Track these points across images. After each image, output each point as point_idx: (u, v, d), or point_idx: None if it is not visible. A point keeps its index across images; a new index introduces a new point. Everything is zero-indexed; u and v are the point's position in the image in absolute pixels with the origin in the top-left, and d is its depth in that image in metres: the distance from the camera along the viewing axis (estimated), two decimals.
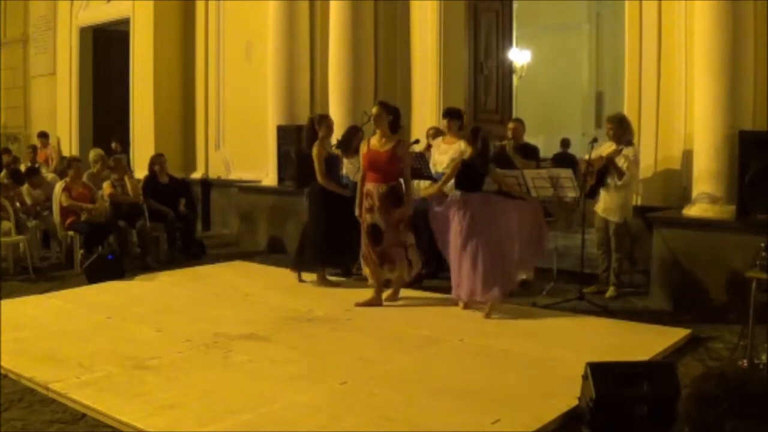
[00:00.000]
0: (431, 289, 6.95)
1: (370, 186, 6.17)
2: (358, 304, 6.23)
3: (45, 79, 14.15)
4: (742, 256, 5.38)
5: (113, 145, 11.68)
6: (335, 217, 6.90)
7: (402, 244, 6.20)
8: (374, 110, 6.26)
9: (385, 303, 6.32)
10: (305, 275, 7.25)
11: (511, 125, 7.47)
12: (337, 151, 7.25)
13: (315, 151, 6.99)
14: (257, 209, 9.60)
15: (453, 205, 6.11)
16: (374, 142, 6.22)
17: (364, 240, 6.26)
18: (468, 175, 6.09)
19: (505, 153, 7.17)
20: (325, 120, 7.28)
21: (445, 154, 7.28)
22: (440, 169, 7.25)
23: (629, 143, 6.62)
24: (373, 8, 8.79)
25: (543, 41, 14.03)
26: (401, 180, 6.21)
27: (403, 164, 6.17)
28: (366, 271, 6.37)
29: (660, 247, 6.46)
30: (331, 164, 7.11)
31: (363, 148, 6.29)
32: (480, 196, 6.09)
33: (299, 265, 7.31)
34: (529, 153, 7.21)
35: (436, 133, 7.72)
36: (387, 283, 6.39)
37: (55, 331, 5.64)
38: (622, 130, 6.68)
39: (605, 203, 6.67)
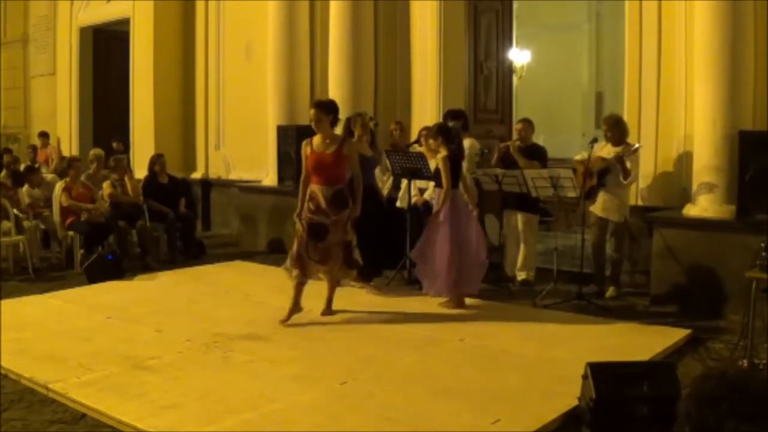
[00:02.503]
0: None
1: (315, 188, 5.81)
2: (283, 321, 5.73)
3: (45, 79, 14.16)
4: (742, 256, 5.38)
5: (114, 144, 11.68)
6: (365, 221, 6.85)
7: (343, 242, 5.89)
8: (312, 114, 5.86)
9: (323, 316, 5.95)
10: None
11: (518, 126, 7.42)
12: (371, 152, 7.15)
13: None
14: (257, 209, 9.60)
15: (444, 205, 6.19)
16: (317, 144, 5.86)
17: (301, 239, 5.80)
18: (453, 172, 6.19)
19: (509, 153, 7.17)
20: (359, 118, 7.12)
21: None
22: None
23: (626, 143, 6.63)
24: (373, 8, 8.79)
25: (543, 41, 14.00)
26: (356, 178, 5.96)
27: (350, 163, 5.90)
28: (294, 273, 5.83)
29: (660, 247, 6.46)
30: (363, 167, 6.99)
31: (306, 150, 5.91)
32: (459, 194, 6.26)
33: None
34: (534, 154, 7.17)
35: (428, 133, 7.72)
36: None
37: (55, 331, 5.63)
38: (619, 131, 6.69)
39: (604, 203, 6.67)
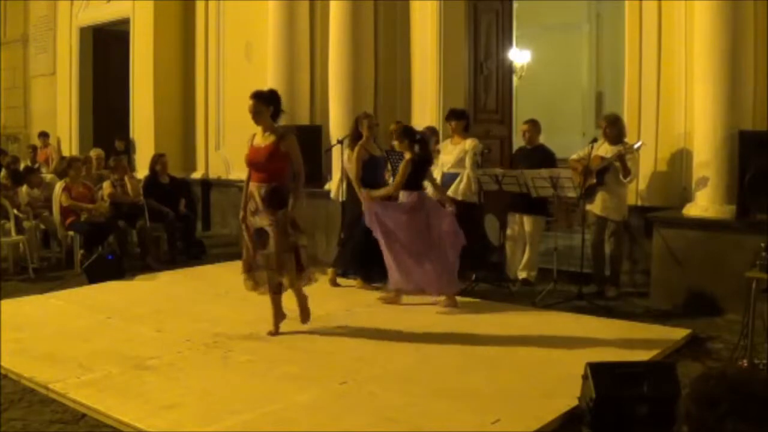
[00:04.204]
0: None
1: (252, 186, 5.42)
2: (271, 333, 5.49)
3: (45, 79, 14.15)
4: (742, 256, 5.38)
5: (117, 144, 11.69)
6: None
7: (292, 248, 5.41)
8: (250, 105, 5.46)
9: (303, 325, 5.67)
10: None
11: (524, 126, 7.40)
12: (379, 152, 7.10)
13: (354, 153, 6.89)
14: None
15: (409, 203, 6.15)
16: (257, 137, 5.51)
17: (248, 245, 5.45)
18: (417, 173, 6.17)
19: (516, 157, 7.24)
20: (366, 119, 7.05)
21: (450, 155, 7.32)
22: (446, 170, 7.28)
23: (623, 143, 6.63)
24: (373, 8, 8.79)
25: (543, 41, 13.99)
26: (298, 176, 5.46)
27: (292, 160, 5.41)
28: (249, 283, 5.53)
29: (660, 247, 6.46)
30: (373, 167, 6.93)
31: (249, 143, 5.57)
32: (425, 194, 6.25)
33: (338, 264, 7.24)
34: (541, 157, 7.15)
35: (430, 133, 7.74)
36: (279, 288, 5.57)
37: (55, 331, 5.64)
38: (616, 129, 6.69)
39: (603, 202, 6.66)
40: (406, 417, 3.92)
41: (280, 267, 5.37)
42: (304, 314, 5.70)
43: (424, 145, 6.33)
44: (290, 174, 5.47)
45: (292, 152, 5.43)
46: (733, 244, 5.87)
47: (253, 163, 5.47)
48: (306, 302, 5.70)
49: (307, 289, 5.79)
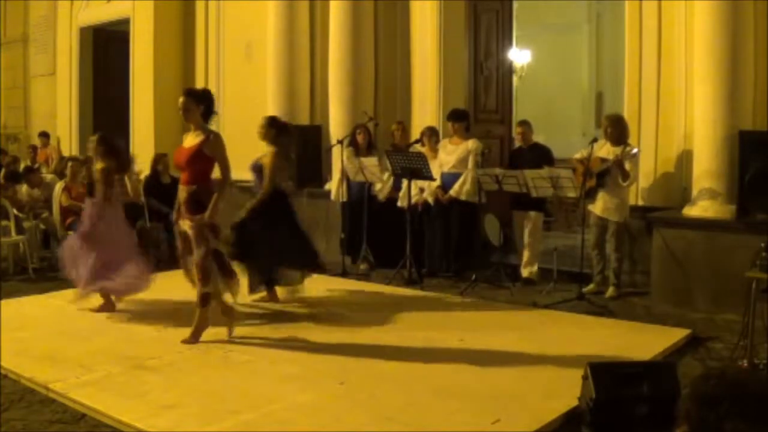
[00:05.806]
0: (431, 288, 6.97)
1: (179, 188, 5.36)
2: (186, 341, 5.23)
3: (45, 79, 14.15)
4: (742, 256, 5.38)
5: None
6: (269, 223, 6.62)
7: (210, 253, 5.23)
8: (180, 102, 5.28)
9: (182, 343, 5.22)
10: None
11: (519, 129, 7.53)
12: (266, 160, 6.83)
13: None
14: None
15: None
16: (187, 138, 5.36)
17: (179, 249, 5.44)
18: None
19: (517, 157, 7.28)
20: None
21: (451, 155, 7.34)
22: (445, 170, 7.30)
23: (625, 144, 6.63)
24: (373, 8, 8.79)
25: (543, 41, 13.99)
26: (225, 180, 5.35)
27: (218, 162, 5.28)
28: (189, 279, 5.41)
29: (660, 247, 6.46)
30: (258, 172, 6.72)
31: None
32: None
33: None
34: (537, 156, 7.20)
35: (431, 133, 7.76)
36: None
37: (55, 331, 5.64)
38: (618, 130, 6.70)
39: (605, 203, 6.67)
40: (406, 417, 3.92)
41: (204, 277, 5.19)
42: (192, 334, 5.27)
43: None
44: (215, 176, 5.33)
45: (217, 155, 5.28)
46: (733, 244, 5.87)
47: (177, 164, 5.40)
48: (230, 315, 5.40)
49: (305, 290, 5.76)
